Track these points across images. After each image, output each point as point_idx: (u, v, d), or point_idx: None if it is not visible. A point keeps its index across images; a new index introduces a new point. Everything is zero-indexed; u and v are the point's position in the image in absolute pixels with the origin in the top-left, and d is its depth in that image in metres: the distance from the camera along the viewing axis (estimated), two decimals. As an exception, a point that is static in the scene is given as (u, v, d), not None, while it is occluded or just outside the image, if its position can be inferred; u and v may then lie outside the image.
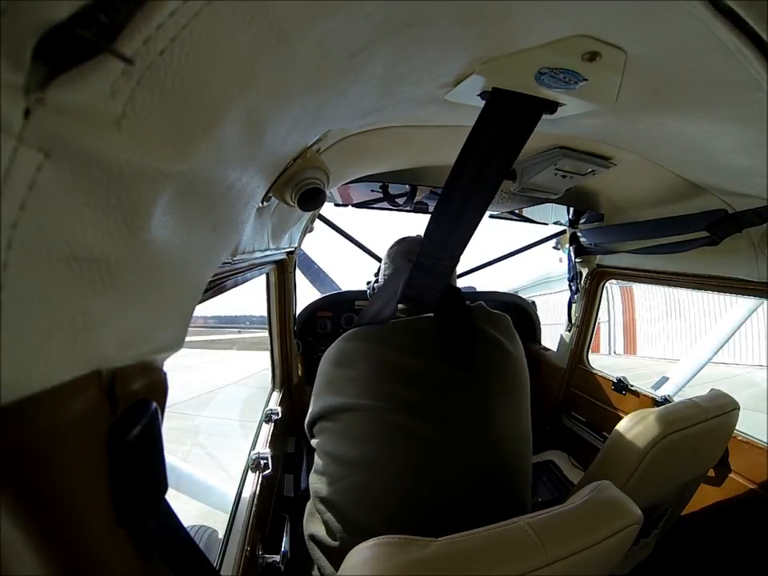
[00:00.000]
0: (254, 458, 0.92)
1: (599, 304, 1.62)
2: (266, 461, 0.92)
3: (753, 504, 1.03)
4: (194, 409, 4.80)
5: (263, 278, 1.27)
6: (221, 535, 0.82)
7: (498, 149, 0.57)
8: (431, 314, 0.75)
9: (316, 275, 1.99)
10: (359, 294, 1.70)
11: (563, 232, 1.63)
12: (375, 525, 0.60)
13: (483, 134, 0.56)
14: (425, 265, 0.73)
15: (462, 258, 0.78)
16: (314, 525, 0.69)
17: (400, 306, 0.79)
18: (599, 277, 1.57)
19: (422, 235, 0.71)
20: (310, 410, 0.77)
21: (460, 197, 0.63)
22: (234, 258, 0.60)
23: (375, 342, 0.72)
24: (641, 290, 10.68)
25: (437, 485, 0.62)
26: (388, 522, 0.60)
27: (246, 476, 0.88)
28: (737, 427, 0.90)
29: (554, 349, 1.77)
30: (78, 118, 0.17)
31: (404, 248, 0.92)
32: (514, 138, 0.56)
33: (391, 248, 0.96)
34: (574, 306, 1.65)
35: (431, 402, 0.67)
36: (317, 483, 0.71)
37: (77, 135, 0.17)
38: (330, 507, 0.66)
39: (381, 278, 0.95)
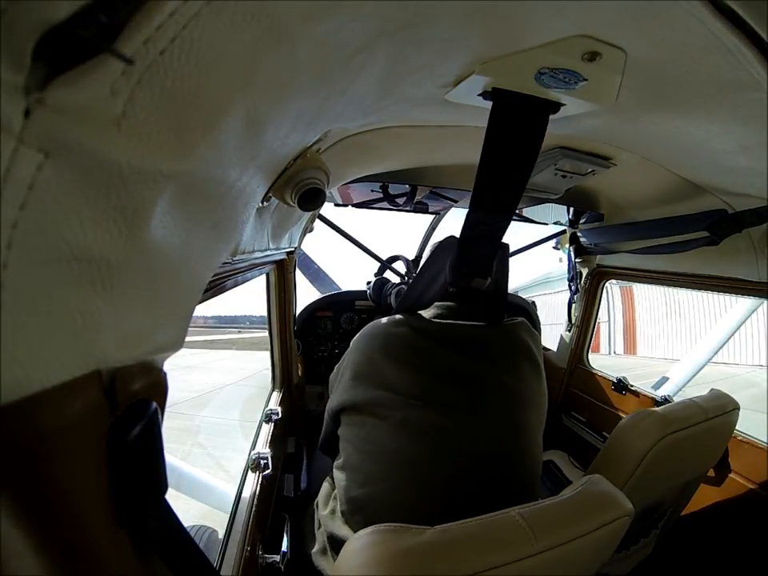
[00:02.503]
0: (253, 458, 0.92)
1: (599, 304, 1.62)
2: (265, 461, 0.92)
3: (753, 504, 1.03)
4: (194, 409, 4.81)
5: (263, 277, 1.27)
6: (221, 535, 0.82)
7: (518, 146, 0.58)
8: (480, 323, 0.75)
9: (316, 275, 1.99)
10: (359, 294, 1.70)
11: (563, 232, 1.63)
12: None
13: (499, 138, 0.57)
14: (472, 235, 0.71)
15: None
16: (336, 525, 0.68)
17: (450, 290, 0.79)
18: (599, 277, 1.57)
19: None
20: (344, 392, 0.73)
21: (496, 183, 0.63)
22: (234, 258, 0.60)
23: (425, 336, 0.71)
24: (641, 290, 10.69)
25: (478, 490, 0.63)
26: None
27: (245, 476, 0.88)
28: (737, 427, 0.90)
29: (554, 349, 1.77)
30: (78, 118, 0.17)
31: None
32: (529, 140, 0.57)
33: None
34: (573, 305, 1.65)
35: (475, 404, 0.67)
36: (346, 481, 0.68)
37: (77, 135, 0.17)
38: (362, 508, 0.64)
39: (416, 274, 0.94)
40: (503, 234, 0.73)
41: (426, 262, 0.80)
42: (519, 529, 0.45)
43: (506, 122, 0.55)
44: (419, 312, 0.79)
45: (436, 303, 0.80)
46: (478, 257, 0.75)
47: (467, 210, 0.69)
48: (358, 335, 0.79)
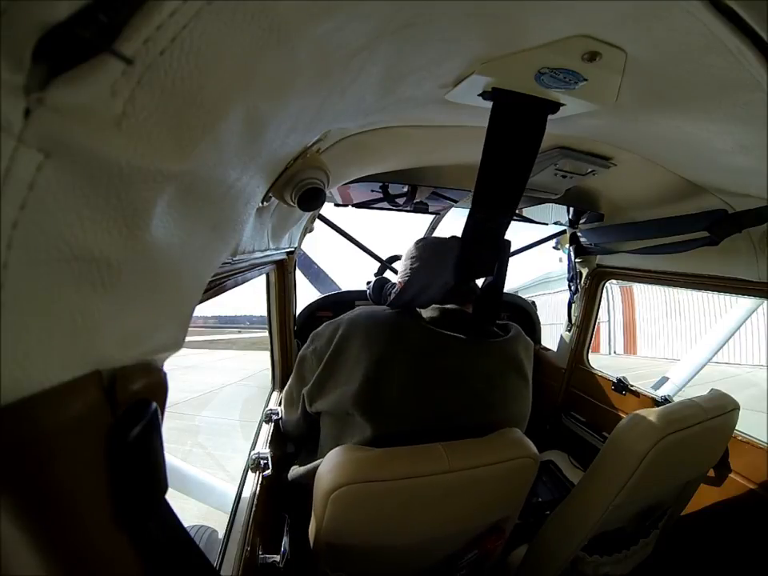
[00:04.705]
0: (253, 458, 0.92)
1: (599, 304, 1.62)
2: (265, 461, 0.92)
3: (753, 504, 1.03)
4: (195, 409, 4.81)
5: (263, 277, 1.27)
6: (221, 535, 0.82)
7: (517, 146, 0.58)
8: (477, 340, 0.74)
9: (316, 275, 1.99)
10: (359, 294, 1.70)
11: (563, 232, 1.63)
12: None
13: (499, 133, 0.57)
14: (474, 235, 0.71)
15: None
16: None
17: (451, 289, 0.77)
18: (599, 277, 1.56)
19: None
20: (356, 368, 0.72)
21: (497, 180, 0.62)
22: (234, 258, 0.61)
23: (426, 342, 0.71)
24: (641, 290, 10.69)
25: None
26: None
27: (246, 476, 0.88)
28: (737, 427, 0.90)
29: (554, 349, 1.77)
30: (78, 118, 0.17)
31: (438, 239, 0.87)
32: (529, 138, 0.57)
33: (416, 245, 0.90)
34: (573, 306, 1.65)
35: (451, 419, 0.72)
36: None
37: (77, 135, 0.17)
38: None
39: (407, 269, 0.89)
40: (505, 233, 0.73)
41: (424, 261, 0.78)
42: (439, 453, 0.62)
43: (506, 122, 0.55)
44: (418, 310, 0.79)
45: (434, 306, 0.80)
46: (481, 256, 0.75)
47: (468, 209, 0.68)
48: (356, 321, 0.75)
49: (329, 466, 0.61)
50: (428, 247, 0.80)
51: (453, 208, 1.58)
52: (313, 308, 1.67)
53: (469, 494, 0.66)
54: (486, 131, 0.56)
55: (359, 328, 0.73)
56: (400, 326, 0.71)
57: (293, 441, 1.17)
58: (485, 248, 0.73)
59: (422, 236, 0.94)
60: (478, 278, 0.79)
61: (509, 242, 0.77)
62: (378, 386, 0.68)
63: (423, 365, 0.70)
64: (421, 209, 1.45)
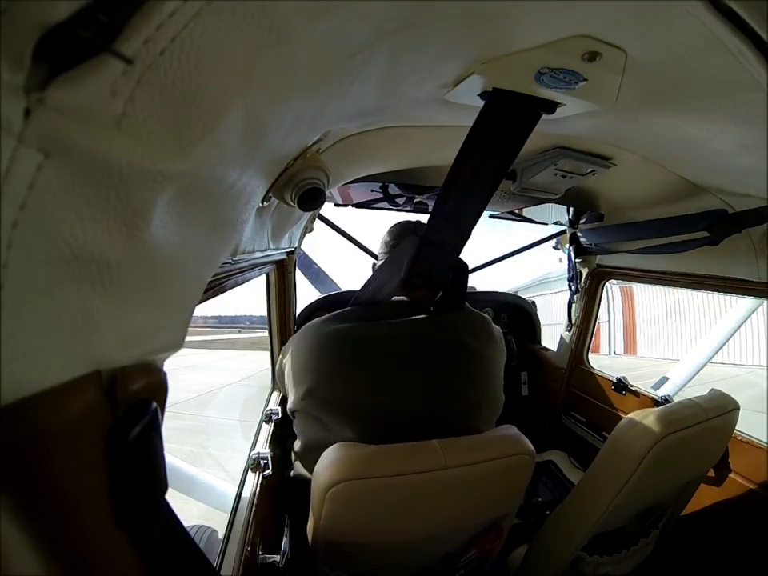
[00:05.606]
0: (253, 458, 0.92)
1: (599, 304, 1.62)
2: (265, 461, 0.92)
3: (753, 504, 1.03)
4: (194, 409, 4.81)
5: (263, 277, 1.27)
6: (221, 535, 0.82)
7: (496, 148, 0.59)
8: (424, 316, 0.77)
9: (316, 275, 1.99)
10: None
11: (563, 232, 1.63)
12: None
13: (482, 134, 0.57)
14: (432, 239, 0.72)
15: (463, 259, 0.80)
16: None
17: (402, 287, 0.79)
18: (599, 277, 1.56)
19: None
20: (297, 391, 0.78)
21: (459, 194, 0.66)
22: (234, 258, 0.61)
23: (363, 348, 0.74)
24: (641, 290, 10.69)
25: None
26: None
27: (246, 476, 0.88)
28: (737, 427, 0.90)
29: (554, 349, 1.77)
30: (78, 118, 0.17)
31: (406, 224, 0.94)
32: (514, 137, 0.57)
33: (390, 232, 0.95)
34: (573, 306, 1.65)
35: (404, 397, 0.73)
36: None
37: (77, 135, 0.17)
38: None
39: (379, 257, 0.95)
40: (458, 254, 0.75)
41: (383, 262, 0.85)
42: (434, 450, 0.62)
43: (498, 123, 0.55)
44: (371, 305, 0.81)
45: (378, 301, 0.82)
46: (431, 264, 0.76)
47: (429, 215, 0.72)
48: (306, 335, 0.80)
49: (326, 462, 0.61)
50: (399, 234, 0.89)
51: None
52: (313, 308, 1.67)
53: (466, 490, 0.66)
54: (470, 130, 0.56)
55: (306, 340, 0.79)
56: (339, 331, 0.75)
57: None
58: (439, 260, 0.75)
59: (398, 230, 0.94)
60: (424, 289, 0.80)
61: (465, 264, 0.81)
62: (331, 382, 0.73)
63: (359, 340, 0.74)
64: (421, 209, 1.45)
